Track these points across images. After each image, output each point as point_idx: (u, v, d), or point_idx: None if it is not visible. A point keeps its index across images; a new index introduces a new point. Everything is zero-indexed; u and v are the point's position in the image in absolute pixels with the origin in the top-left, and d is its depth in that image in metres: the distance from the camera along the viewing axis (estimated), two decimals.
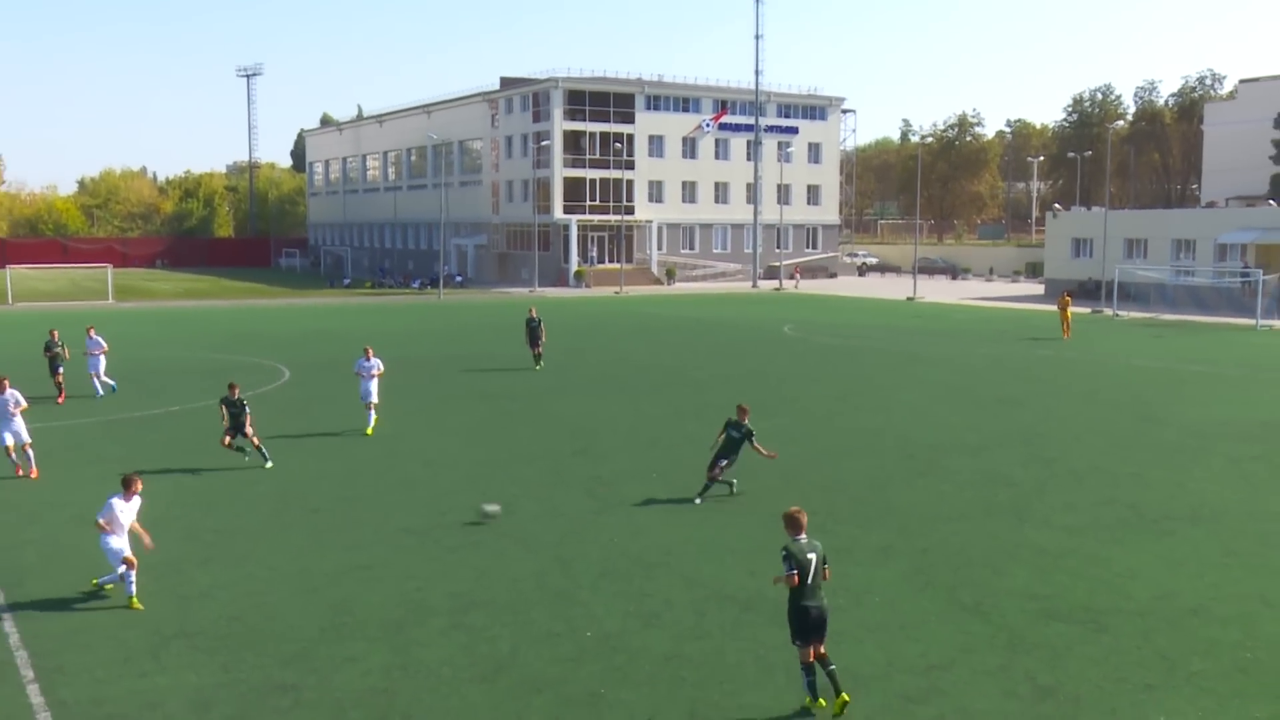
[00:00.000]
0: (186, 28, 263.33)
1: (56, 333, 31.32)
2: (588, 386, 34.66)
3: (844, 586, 14.57)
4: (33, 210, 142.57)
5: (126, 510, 14.40)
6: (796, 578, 10.73)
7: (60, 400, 30.21)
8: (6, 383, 21.38)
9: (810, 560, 10.89)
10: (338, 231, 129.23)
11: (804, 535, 11.16)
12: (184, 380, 35.25)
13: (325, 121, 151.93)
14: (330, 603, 14.30)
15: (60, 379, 30.61)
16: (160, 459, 22.91)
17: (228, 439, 21.90)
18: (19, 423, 21.26)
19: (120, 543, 14.16)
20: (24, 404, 21.46)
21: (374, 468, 22.48)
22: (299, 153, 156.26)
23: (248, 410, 21.96)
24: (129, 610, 13.94)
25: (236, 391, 21.99)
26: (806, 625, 10.79)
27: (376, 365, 25.94)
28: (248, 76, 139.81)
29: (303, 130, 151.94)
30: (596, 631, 13.29)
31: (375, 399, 25.86)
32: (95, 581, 14.63)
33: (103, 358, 31.25)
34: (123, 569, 14.05)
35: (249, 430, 21.91)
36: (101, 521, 14.15)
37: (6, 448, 21.15)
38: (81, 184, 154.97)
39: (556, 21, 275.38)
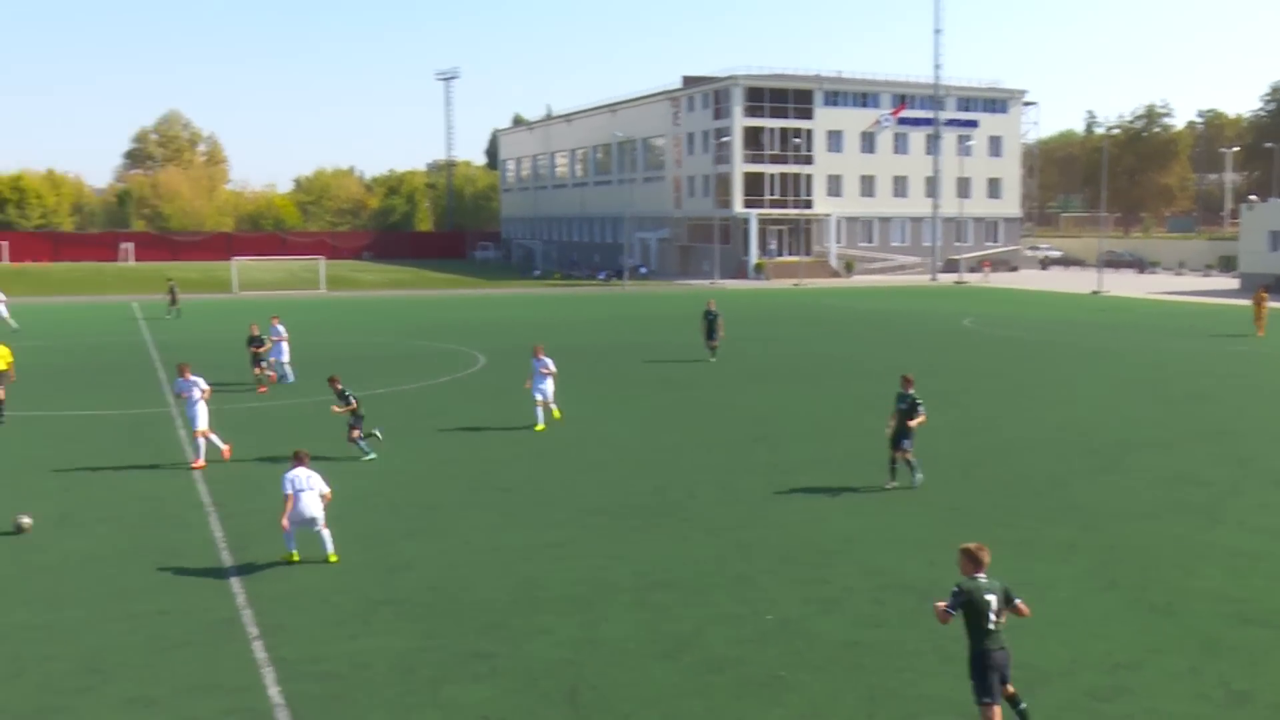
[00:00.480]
0: (390, 37, 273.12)
1: (256, 326, 31.70)
2: (766, 376, 34.49)
3: (1026, 581, 14.10)
4: (255, 207, 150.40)
5: (305, 478, 15.13)
6: (948, 613, 9.52)
7: (262, 390, 30.43)
8: (188, 369, 21.77)
9: (989, 601, 9.51)
10: (528, 225, 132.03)
11: (983, 574, 9.65)
12: (390, 366, 36.62)
13: (517, 121, 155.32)
14: (521, 577, 14.66)
15: (261, 370, 30.97)
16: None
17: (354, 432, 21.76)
18: (199, 408, 21.20)
19: (306, 508, 14.99)
20: (206, 390, 21.54)
21: (562, 451, 22.90)
22: (493, 151, 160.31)
23: (353, 401, 21.72)
24: (342, 576, 14.62)
25: (338, 384, 21.84)
26: (989, 670, 9.48)
27: (548, 364, 25.11)
28: (446, 80, 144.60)
29: (496, 130, 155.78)
30: (776, 615, 13.23)
31: (542, 398, 25.04)
32: (294, 556, 15.31)
33: (285, 345, 31.84)
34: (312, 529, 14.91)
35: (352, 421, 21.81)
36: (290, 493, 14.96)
37: (196, 431, 21.33)
38: (297, 182, 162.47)
39: (737, 21, 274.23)
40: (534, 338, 33.04)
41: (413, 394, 30.74)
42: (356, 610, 13.44)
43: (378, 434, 22.20)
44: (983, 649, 9.53)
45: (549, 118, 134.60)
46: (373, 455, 21.50)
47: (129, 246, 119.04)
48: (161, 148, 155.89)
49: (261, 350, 31.11)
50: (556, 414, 25.52)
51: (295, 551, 15.15)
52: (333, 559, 15.15)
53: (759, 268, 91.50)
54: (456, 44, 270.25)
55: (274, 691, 11.10)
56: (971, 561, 9.70)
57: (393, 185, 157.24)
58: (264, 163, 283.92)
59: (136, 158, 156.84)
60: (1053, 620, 12.94)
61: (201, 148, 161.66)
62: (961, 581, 9.62)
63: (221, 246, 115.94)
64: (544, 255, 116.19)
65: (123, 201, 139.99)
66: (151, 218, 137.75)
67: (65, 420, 26.44)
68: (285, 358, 32.02)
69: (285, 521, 14.94)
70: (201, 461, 21.10)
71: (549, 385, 25.22)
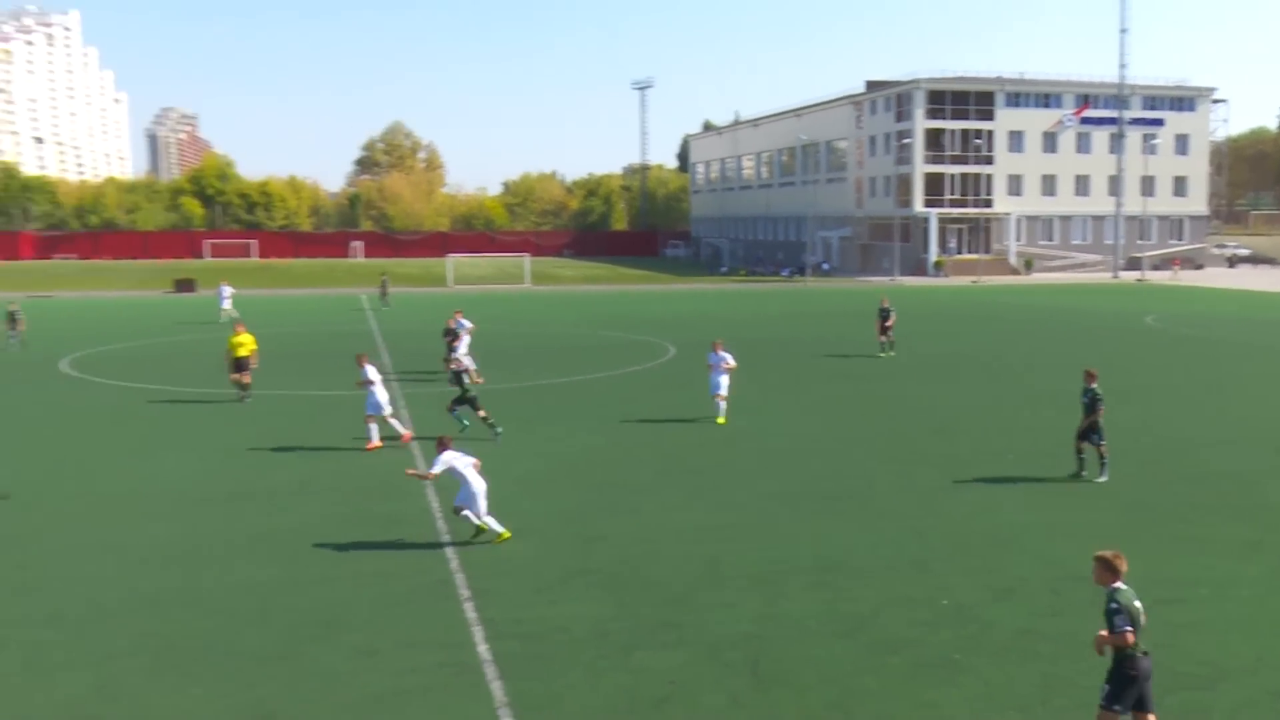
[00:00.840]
0: (590, 52, 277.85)
1: (457, 316, 31.54)
2: (942, 371, 33.57)
3: (1206, 579, 13.36)
4: (467, 209, 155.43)
5: (458, 459, 15.41)
6: (1132, 635, 8.45)
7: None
8: (365, 359, 22.01)
9: (1139, 609, 8.62)
10: (716, 225, 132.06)
11: (1122, 582, 8.67)
12: (587, 355, 37.32)
13: (707, 127, 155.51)
14: (706, 554, 14.72)
15: (454, 363, 30.69)
16: (565, 420, 24.45)
17: (482, 414, 22.10)
18: (378, 392, 21.29)
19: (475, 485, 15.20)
20: (373, 379, 21.46)
21: (744, 438, 22.85)
22: (684, 155, 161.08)
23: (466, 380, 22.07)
24: (542, 547, 15.00)
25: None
26: (1135, 681, 8.60)
27: (727, 359, 24.44)
28: (641, 90, 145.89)
29: (687, 135, 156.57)
30: (952, 601, 12.90)
31: (724, 391, 24.31)
32: (505, 535, 15.76)
33: (467, 338, 31.04)
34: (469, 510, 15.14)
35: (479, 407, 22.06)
36: (435, 472, 15.23)
37: (381, 417, 21.43)
38: (505, 186, 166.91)
39: (920, 25, 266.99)
40: (719, 332, 33.09)
41: (607, 381, 31.26)
42: (556, 578, 13.79)
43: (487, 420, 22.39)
44: (1130, 655, 8.58)
45: (737, 123, 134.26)
46: (467, 424, 22.24)
47: (359, 245, 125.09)
48: (387, 155, 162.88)
49: (455, 342, 30.90)
50: (721, 420, 24.21)
51: (504, 530, 15.40)
52: (500, 535, 15.40)
53: (938, 265, 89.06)
54: (651, 55, 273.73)
55: (482, 649, 11.52)
56: (1110, 570, 8.74)
57: (591, 188, 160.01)
58: (476, 168, 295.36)
59: (365, 165, 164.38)
60: (1234, 619, 12.19)
61: (422, 155, 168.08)
62: (1112, 593, 8.62)
63: (438, 245, 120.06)
64: (730, 253, 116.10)
65: (353, 204, 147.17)
66: (378, 219, 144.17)
67: (303, 399, 28.02)
68: (463, 351, 30.34)
69: (468, 511, 15.19)
70: (409, 433, 22.06)
71: (725, 381, 24.34)
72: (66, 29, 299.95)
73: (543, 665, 11.11)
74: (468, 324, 31.79)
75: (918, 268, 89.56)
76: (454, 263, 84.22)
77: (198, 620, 12.38)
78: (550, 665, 11.11)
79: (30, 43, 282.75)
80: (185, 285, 71.25)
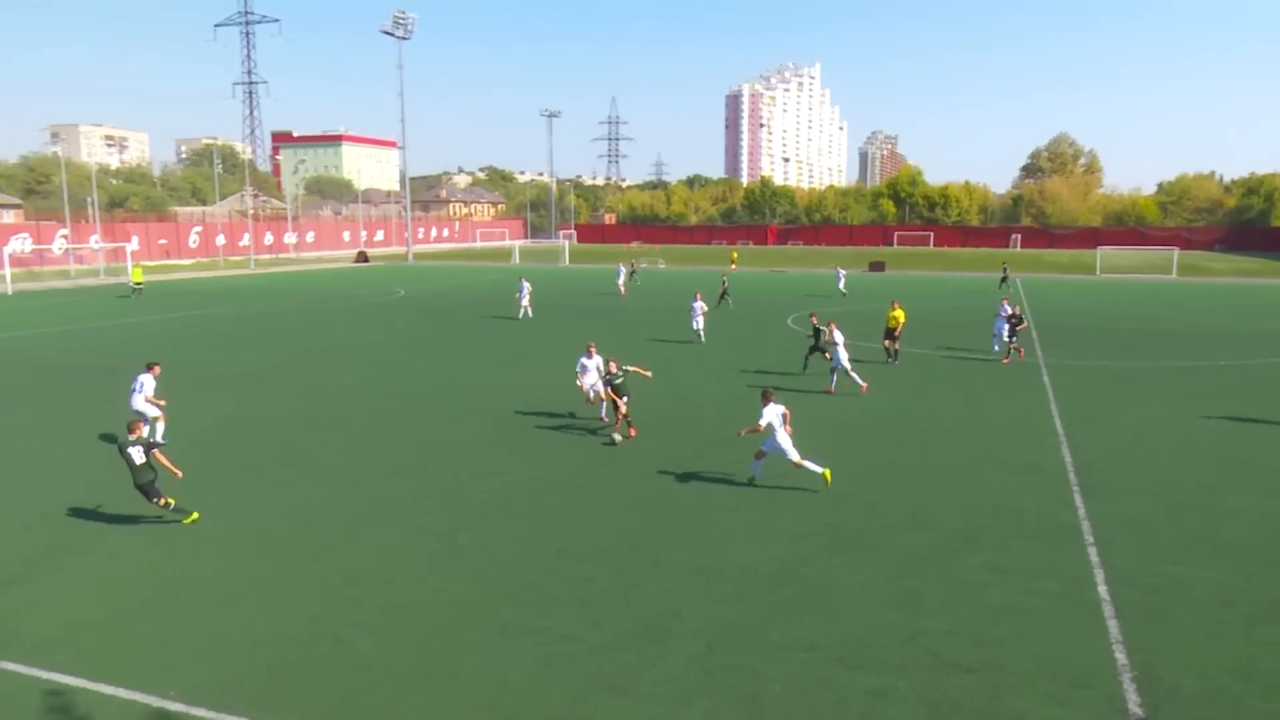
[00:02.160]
0: None
1: (816, 315, 25.76)
2: None
3: None
4: (1120, 207, 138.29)
5: (774, 410, 13.85)
6: None
7: (1005, 361, 26.10)
8: (593, 347, 18.59)
9: None
10: None
11: None
12: (1235, 343, 31.33)
13: None
14: None
15: (1013, 343, 26.14)
16: (1173, 399, 20.84)
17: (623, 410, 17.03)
18: (591, 375, 18.11)
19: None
20: (604, 367, 17.57)
21: None
22: None
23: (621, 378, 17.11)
24: (1167, 510, 13.06)
25: (614, 366, 17.16)
26: None
27: None
28: None
29: None
30: None
31: None
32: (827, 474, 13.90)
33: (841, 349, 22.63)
34: None
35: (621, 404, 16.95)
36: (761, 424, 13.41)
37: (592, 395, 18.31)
38: (1159, 186, 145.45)
39: None
40: None
41: (1253, 369, 25.95)
42: (1178, 541, 11.93)
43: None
44: None
45: None
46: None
47: (1017, 237, 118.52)
48: (1049, 162, 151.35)
49: (1021, 327, 26.34)
50: None
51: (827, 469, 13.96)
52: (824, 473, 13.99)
53: None
54: None
55: (1102, 589, 10.44)
56: None
57: (1252, 186, 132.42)
58: (1133, 170, 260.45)
59: (1029, 170, 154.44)
60: None
61: (1082, 161, 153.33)
62: None
63: (1088, 238, 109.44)
64: None
65: (1015, 203, 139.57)
66: (1036, 216, 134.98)
67: (949, 361, 27.32)
68: (843, 360, 22.28)
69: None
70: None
71: None
72: (811, 77, 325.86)
73: (1160, 617, 9.74)
74: (1008, 307, 27.10)
75: None
76: (1102, 254, 75.78)
77: (868, 519, 12.90)
78: (1168, 619, 9.70)
79: (786, 89, 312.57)
80: (876, 266, 73.79)
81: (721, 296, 43.09)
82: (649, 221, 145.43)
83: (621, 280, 51.57)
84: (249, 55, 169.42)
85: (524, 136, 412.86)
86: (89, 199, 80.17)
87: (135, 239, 76.30)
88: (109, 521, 12.81)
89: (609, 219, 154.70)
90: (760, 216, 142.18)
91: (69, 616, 9.82)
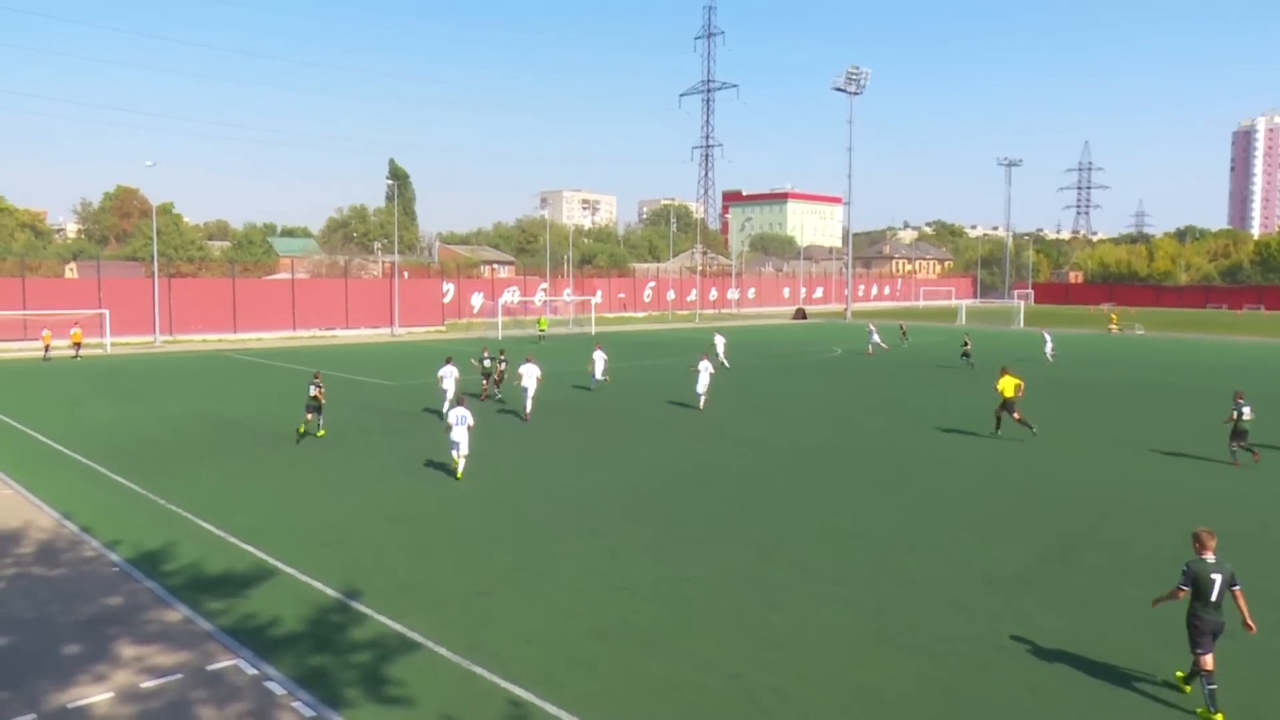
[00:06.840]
0: None
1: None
2: None
3: None
4: None
5: None
6: (1182, 592, 9.10)
7: None
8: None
9: (1213, 580, 8.91)
10: None
11: (1210, 555, 9.02)
12: None
13: None
14: None
15: None
16: None
17: None
18: None
19: None
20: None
21: None
22: None
23: None
24: None
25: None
26: (1201, 634, 8.93)
27: None
28: None
29: None
30: None
31: None
32: None
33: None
34: None
35: None
36: None
37: None
38: None
39: None
40: None
41: None
42: None
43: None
44: (1198, 616, 9.00)
45: None
46: None
47: None
48: None
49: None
50: None
51: None
52: None
53: None
54: None
55: None
56: (1197, 542, 9.16)
57: None
58: None
59: None
60: None
61: None
62: (1190, 561, 9.15)
63: None
64: None
65: None
66: None
67: None
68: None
69: None
70: None
71: None
72: None
73: None
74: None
75: None
76: None
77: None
78: None
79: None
80: None
81: (963, 354, 43.05)
82: (1125, 280, 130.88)
83: (874, 340, 51.62)
84: (708, 120, 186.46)
85: (977, 187, 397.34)
86: (565, 256, 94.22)
87: (599, 292, 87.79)
88: (554, 555, 14.60)
89: (1074, 277, 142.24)
90: (1277, 275, 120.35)
91: (524, 633, 11.31)
